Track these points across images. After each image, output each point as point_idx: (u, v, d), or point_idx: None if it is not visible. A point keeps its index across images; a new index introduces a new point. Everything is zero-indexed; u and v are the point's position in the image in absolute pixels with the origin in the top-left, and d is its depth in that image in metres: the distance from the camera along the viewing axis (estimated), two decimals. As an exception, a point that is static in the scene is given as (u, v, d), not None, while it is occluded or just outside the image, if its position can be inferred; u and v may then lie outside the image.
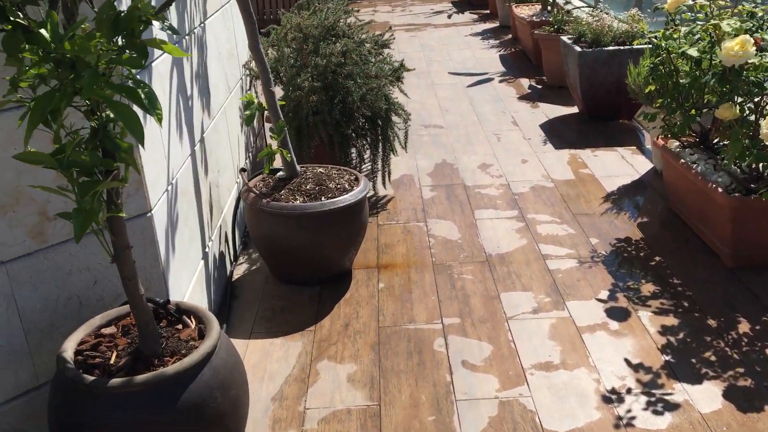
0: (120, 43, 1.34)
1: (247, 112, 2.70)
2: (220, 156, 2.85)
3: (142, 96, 1.33)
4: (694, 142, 3.12)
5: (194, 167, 2.45)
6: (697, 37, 2.83)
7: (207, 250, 2.56)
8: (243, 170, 2.83)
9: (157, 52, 2.11)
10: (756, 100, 2.58)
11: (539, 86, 5.51)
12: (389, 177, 3.66)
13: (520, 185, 3.71)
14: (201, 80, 2.63)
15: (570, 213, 3.36)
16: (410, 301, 2.69)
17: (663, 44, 2.88)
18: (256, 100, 2.74)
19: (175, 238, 2.16)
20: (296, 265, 2.77)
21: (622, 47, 4.31)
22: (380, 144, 3.58)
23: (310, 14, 3.52)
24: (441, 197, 3.62)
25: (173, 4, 2.30)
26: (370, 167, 3.67)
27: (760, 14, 2.70)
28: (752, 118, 2.59)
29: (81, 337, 1.71)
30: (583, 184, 3.67)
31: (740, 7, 2.68)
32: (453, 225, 3.31)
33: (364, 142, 3.59)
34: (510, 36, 7.38)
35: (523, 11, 6.46)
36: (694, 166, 2.97)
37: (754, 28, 2.54)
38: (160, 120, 1.35)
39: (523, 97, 5.25)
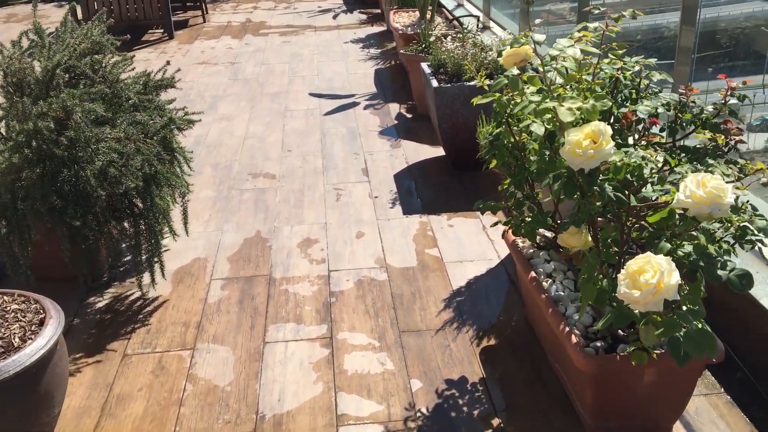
0: None
1: None
2: None
3: None
4: (554, 240, 2.25)
5: None
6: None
7: None
8: None
9: None
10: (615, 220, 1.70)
11: (409, 116, 4.59)
12: (162, 271, 2.67)
13: (343, 277, 2.78)
14: None
15: (396, 330, 2.44)
16: None
17: (500, 110, 1.97)
18: None
19: None
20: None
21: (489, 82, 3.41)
22: (143, 232, 2.58)
23: (22, 51, 2.48)
24: (231, 301, 2.65)
25: None
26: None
27: (628, 76, 1.82)
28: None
29: None
30: (425, 275, 2.76)
31: (597, 66, 1.78)
32: (230, 355, 2.35)
33: (120, 229, 2.59)
34: (394, 44, 6.45)
35: (401, 19, 5.51)
36: (547, 283, 2.09)
37: (609, 106, 1.65)
38: None
39: (386, 132, 4.32)
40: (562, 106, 1.57)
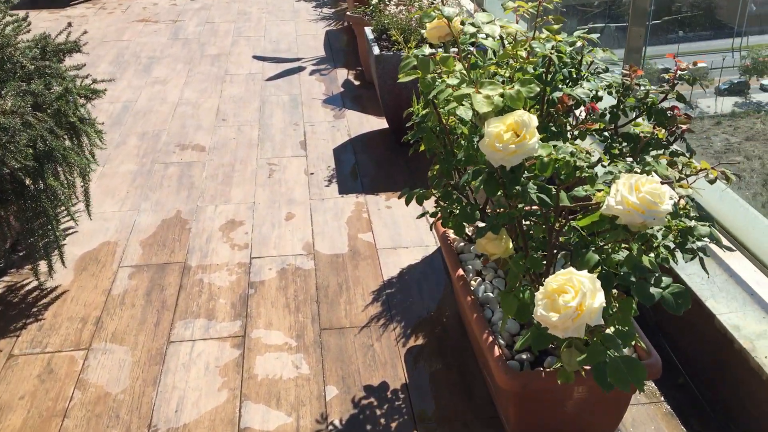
0: None
1: None
2: None
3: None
4: (488, 234, 2.03)
5: None
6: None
7: None
8: None
9: None
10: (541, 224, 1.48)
11: (357, 82, 4.31)
12: (62, 258, 2.41)
13: (266, 265, 2.54)
14: None
15: (317, 327, 2.23)
16: None
17: (425, 90, 1.73)
18: None
19: None
20: None
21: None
22: (39, 215, 2.31)
23: None
24: (139, 292, 2.41)
25: None
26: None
27: (566, 53, 1.59)
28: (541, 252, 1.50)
29: None
30: (355, 264, 2.54)
31: (528, 44, 1.54)
32: (128, 357, 2.11)
33: (13, 213, 2.32)
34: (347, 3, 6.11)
35: (354, -23, 5.17)
36: (476, 282, 1.89)
37: (537, 92, 1.42)
38: None
39: (330, 100, 4.04)
40: (479, 93, 1.34)
